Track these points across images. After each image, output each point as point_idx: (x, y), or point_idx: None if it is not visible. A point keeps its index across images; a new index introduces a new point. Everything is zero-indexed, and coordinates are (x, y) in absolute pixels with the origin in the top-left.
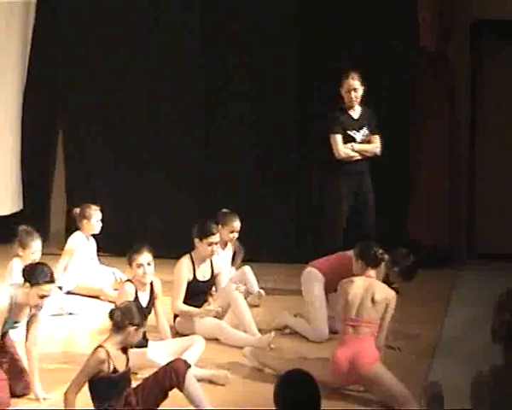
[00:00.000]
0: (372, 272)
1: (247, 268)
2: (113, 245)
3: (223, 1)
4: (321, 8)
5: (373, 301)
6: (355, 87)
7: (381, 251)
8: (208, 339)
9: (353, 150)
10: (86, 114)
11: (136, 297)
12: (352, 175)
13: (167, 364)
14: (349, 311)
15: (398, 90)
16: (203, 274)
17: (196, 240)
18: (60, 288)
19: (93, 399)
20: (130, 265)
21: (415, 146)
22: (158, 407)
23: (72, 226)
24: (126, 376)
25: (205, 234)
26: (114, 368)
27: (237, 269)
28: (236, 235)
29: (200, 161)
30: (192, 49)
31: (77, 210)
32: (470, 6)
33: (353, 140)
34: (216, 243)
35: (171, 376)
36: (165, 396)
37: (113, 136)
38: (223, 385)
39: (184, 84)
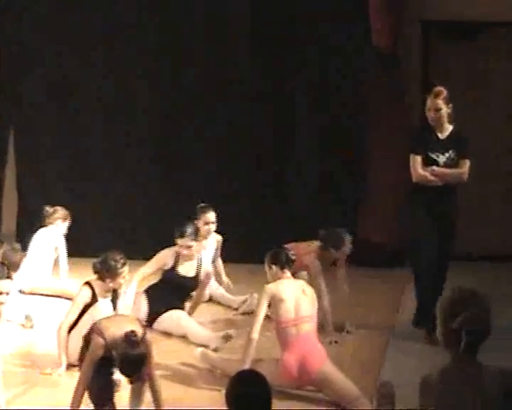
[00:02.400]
0: (288, 273)
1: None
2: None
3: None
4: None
5: (305, 295)
6: (437, 107)
7: (291, 252)
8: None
9: (433, 174)
10: (39, 111)
11: (94, 300)
12: (432, 201)
13: None
14: (288, 312)
15: (350, 90)
16: (186, 270)
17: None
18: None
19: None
20: (112, 278)
21: (366, 146)
22: None
23: (23, 227)
24: None
25: (177, 235)
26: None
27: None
28: (212, 227)
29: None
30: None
31: (49, 209)
32: (420, 6)
33: (436, 163)
34: (189, 247)
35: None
36: None
37: (67, 135)
38: None
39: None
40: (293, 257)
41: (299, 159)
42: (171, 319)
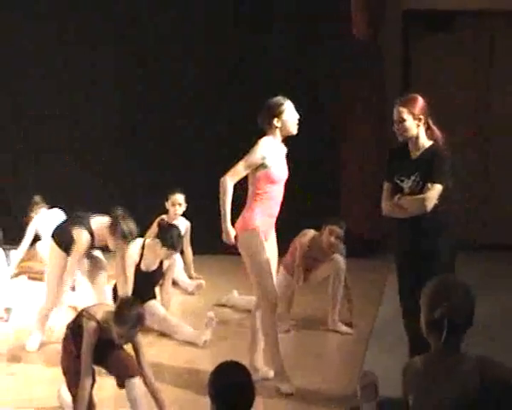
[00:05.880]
0: None
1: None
2: None
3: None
4: None
5: None
6: (399, 117)
7: None
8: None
9: (396, 204)
10: (13, 104)
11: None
12: (405, 241)
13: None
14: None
15: (330, 80)
16: (148, 265)
17: (157, 241)
18: None
19: None
20: None
21: (346, 137)
22: None
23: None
24: None
25: (169, 245)
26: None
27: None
28: (179, 209)
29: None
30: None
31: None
32: None
33: (402, 190)
34: (172, 255)
35: None
36: None
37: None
38: None
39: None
40: None
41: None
42: (149, 312)
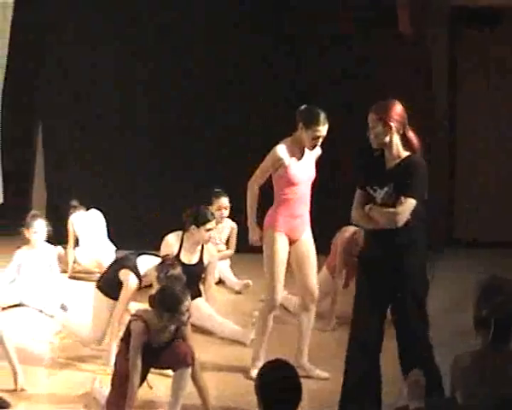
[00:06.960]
0: None
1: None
2: None
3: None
4: None
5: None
6: (370, 124)
7: None
8: None
9: (367, 215)
10: (64, 105)
11: None
12: (374, 255)
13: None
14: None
15: (376, 78)
16: (189, 258)
17: (192, 227)
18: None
19: None
20: None
21: None
22: None
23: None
24: None
25: (202, 221)
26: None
27: (228, 248)
28: (225, 213)
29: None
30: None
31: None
32: None
33: (374, 200)
34: (212, 230)
35: None
36: None
37: (92, 129)
38: None
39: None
40: None
41: None
42: (195, 310)
